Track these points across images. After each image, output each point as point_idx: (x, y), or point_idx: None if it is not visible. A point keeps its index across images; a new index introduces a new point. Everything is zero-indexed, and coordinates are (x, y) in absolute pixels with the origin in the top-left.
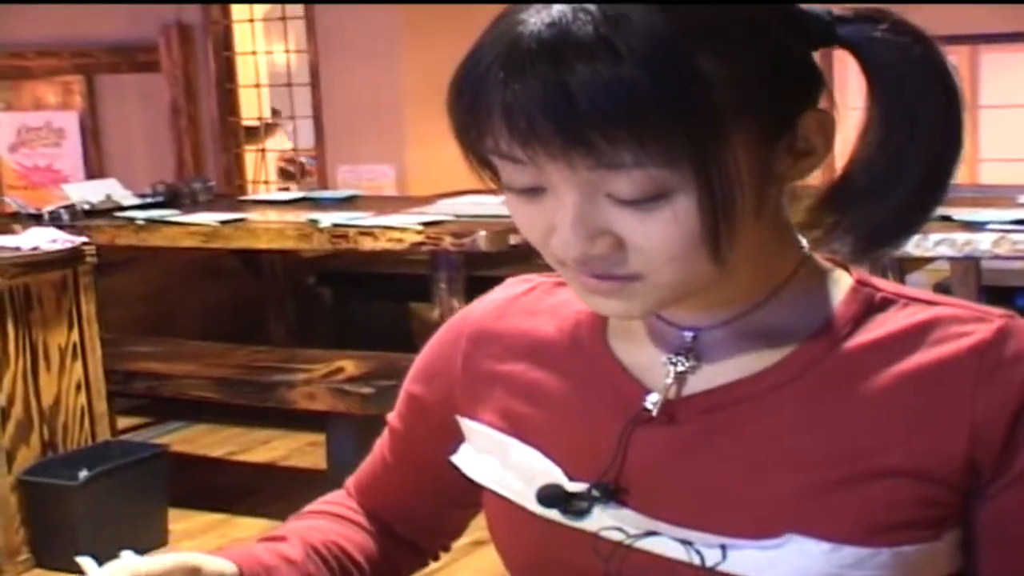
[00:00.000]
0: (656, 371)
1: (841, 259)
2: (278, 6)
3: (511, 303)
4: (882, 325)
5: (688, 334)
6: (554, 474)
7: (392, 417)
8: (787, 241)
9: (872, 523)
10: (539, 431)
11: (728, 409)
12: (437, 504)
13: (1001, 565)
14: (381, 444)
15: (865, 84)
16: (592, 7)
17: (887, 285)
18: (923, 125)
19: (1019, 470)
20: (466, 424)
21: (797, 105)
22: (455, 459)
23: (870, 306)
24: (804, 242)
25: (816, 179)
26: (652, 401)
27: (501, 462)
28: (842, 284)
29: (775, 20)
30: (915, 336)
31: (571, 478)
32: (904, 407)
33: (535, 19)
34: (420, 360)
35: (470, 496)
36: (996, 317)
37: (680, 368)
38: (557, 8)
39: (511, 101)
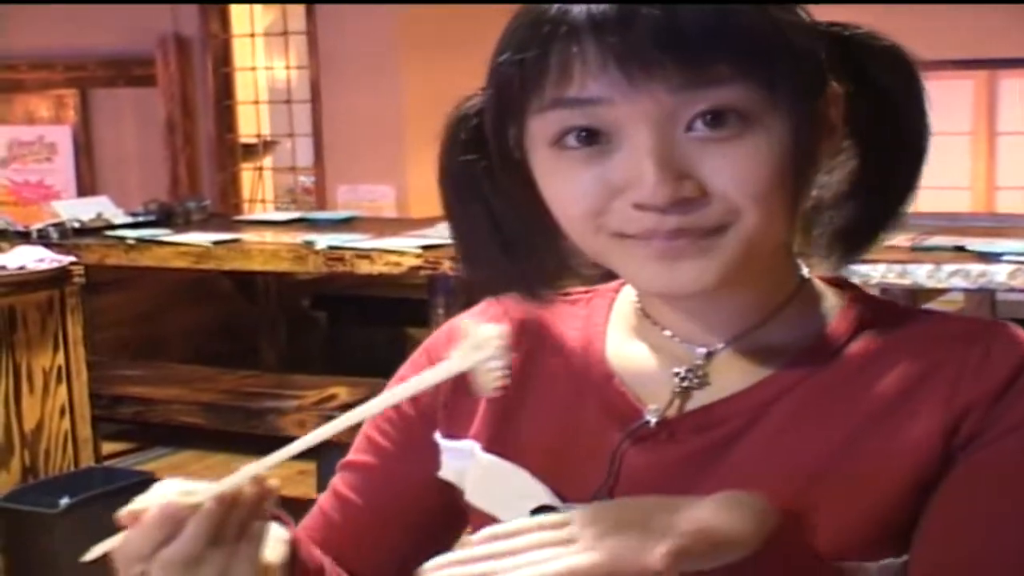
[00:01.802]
0: (655, 388)
1: (838, 280)
2: (279, 20)
3: (500, 316)
4: (876, 338)
5: (701, 350)
6: (544, 495)
7: (354, 455)
8: (790, 261)
9: (862, 537)
10: (527, 450)
11: (723, 425)
12: (410, 542)
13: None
14: (333, 493)
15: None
16: None
17: (880, 301)
18: (893, 130)
19: (988, 439)
20: (446, 444)
21: (824, 74)
22: (443, 475)
23: (862, 322)
24: (803, 266)
25: None
26: (652, 410)
27: (489, 482)
28: (836, 302)
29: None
30: (904, 348)
31: (563, 498)
32: (893, 416)
33: None
34: (404, 371)
35: (446, 526)
36: (982, 324)
37: (686, 384)
38: None
39: (603, 19)
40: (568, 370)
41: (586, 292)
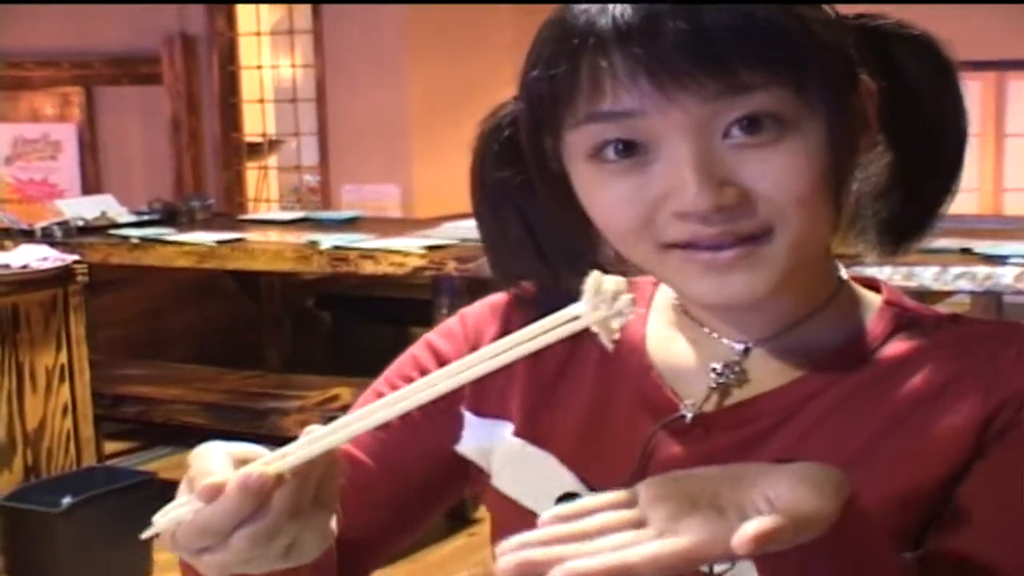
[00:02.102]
0: (694, 383)
1: (872, 282)
2: (286, 19)
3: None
4: (909, 341)
5: (739, 346)
6: (571, 483)
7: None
8: (829, 263)
9: (891, 535)
10: (557, 436)
11: (757, 422)
12: (410, 508)
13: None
14: (345, 453)
15: (880, 89)
16: None
17: (915, 305)
18: (931, 116)
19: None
20: (473, 419)
21: (854, 70)
22: (461, 450)
23: (898, 324)
24: (842, 268)
25: None
26: (689, 405)
27: (516, 467)
28: (873, 304)
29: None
30: (940, 351)
31: (591, 487)
32: (925, 413)
33: None
34: (446, 323)
35: (445, 497)
36: (1013, 326)
37: (724, 380)
38: None
39: (629, 30)
40: (605, 360)
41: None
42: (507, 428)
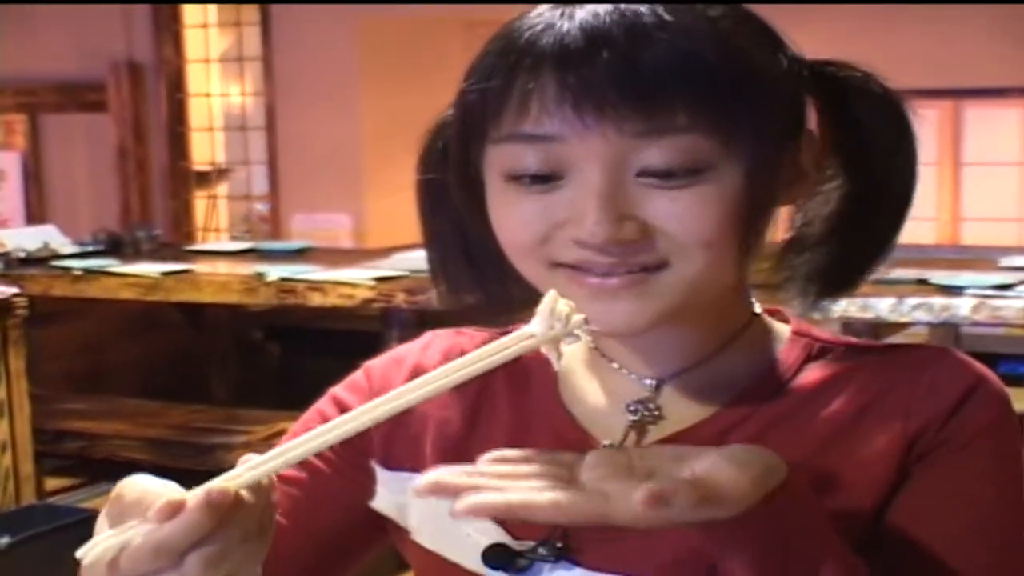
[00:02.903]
0: (609, 423)
1: (783, 314)
2: (235, 46)
3: (452, 347)
4: (823, 370)
5: (649, 382)
6: (494, 533)
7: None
8: (742, 297)
9: None
10: None
11: None
12: (328, 566)
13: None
14: None
15: (827, 133)
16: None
17: (824, 333)
18: (881, 174)
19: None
20: (385, 474)
21: (801, 119)
22: (377, 506)
23: (809, 353)
24: (755, 301)
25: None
26: (606, 444)
27: (436, 520)
28: (783, 335)
29: (784, 41)
30: (854, 378)
31: (515, 537)
32: (845, 442)
33: (569, 9)
34: (352, 376)
35: (365, 552)
36: (929, 350)
37: (638, 418)
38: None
39: (565, 55)
40: (519, 404)
41: None
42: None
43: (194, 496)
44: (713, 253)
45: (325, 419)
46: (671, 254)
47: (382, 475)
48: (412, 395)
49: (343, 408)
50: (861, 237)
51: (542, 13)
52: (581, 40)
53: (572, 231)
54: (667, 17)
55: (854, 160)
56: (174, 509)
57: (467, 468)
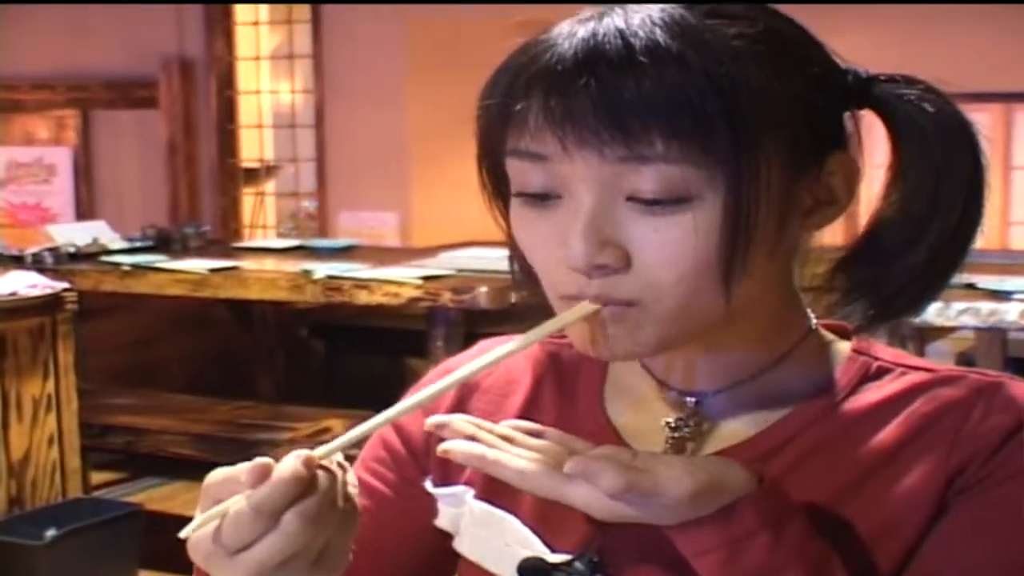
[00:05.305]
0: (652, 437)
1: (843, 329)
2: (285, 43)
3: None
4: (878, 391)
5: (690, 400)
6: (533, 544)
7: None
8: (796, 311)
9: None
10: (519, 496)
11: None
12: None
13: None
14: None
15: (890, 147)
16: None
17: (885, 353)
18: (947, 190)
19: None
20: (440, 492)
21: (828, 141)
22: (440, 523)
23: (866, 374)
24: (812, 315)
25: (834, 241)
26: None
27: (479, 530)
28: (841, 353)
29: (819, 52)
30: (907, 401)
31: (552, 548)
32: (890, 470)
33: (579, 26)
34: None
35: (439, 572)
36: (983, 381)
37: (678, 434)
38: (606, 20)
39: (554, 78)
40: (565, 416)
41: None
42: (469, 493)
43: (286, 458)
44: (688, 288)
45: (385, 443)
46: (644, 289)
47: (440, 492)
48: (469, 367)
49: (400, 430)
50: (928, 258)
51: (562, 28)
52: (570, 63)
53: (561, 254)
54: (665, 43)
55: (910, 180)
56: (266, 470)
57: (483, 423)
